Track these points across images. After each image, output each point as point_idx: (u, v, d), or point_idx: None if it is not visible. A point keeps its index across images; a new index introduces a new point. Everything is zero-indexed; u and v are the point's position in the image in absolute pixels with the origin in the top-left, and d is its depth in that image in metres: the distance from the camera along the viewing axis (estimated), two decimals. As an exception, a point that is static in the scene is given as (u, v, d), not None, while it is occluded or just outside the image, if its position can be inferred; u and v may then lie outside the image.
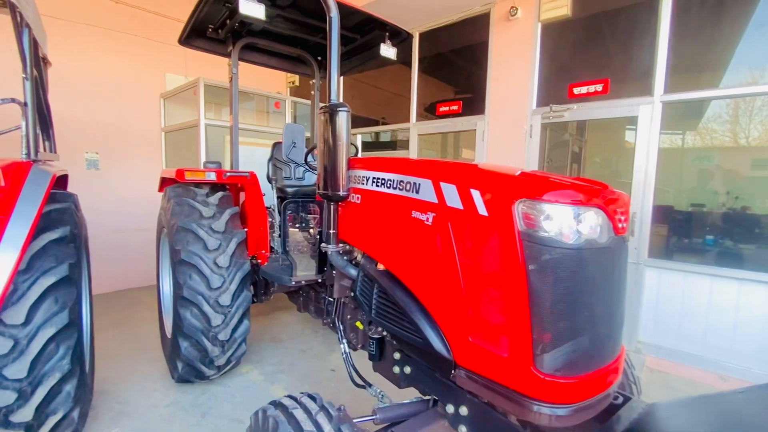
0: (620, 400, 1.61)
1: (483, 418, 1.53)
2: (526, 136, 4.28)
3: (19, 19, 1.95)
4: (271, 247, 3.30)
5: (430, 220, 1.64)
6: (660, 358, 3.58)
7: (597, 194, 1.35)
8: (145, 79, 5.70)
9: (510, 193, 1.35)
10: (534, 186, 1.33)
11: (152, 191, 4.07)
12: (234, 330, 2.78)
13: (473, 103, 4.78)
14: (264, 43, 3.82)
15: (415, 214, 1.72)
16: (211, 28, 3.55)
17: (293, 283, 2.66)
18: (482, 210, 1.43)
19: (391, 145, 6.24)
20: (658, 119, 3.51)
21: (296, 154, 3.36)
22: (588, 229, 1.29)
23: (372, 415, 1.73)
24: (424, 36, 5.25)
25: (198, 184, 3.09)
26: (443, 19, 4.93)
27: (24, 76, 2.07)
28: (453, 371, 1.54)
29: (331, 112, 1.98)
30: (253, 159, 4.91)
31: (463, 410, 1.58)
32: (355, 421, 1.60)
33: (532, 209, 1.29)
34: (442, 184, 1.60)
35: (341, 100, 6.40)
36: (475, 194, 1.46)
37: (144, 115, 5.73)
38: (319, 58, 4.21)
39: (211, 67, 5.43)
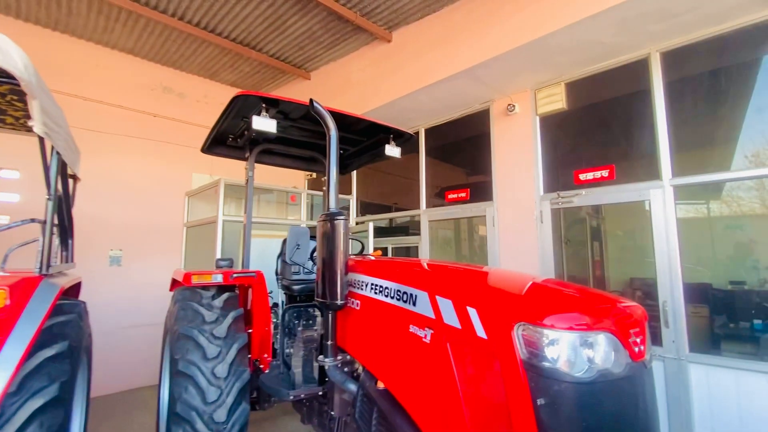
0: None
1: None
2: (537, 222, 4.23)
3: (48, 147, 2.16)
4: (275, 350, 3.15)
5: (428, 337, 1.52)
6: (729, 480, 2.99)
7: (606, 314, 1.24)
8: (173, 179, 6.16)
9: (508, 315, 1.25)
10: (534, 307, 1.23)
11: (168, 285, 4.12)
12: (229, 450, 2.52)
13: (481, 190, 4.86)
14: (279, 148, 4.11)
15: (413, 329, 1.61)
16: (231, 138, 3.87)
17: (291, 397, 2.46)
18: (480, 332, 1.32)
19: (404, 230, 6.28)
20: (672, 202, 3.42)
21: (300, 256, 3.39)
22: (599, 357, 1.16)
23: None
24: (429, 131, 5.58)
25: (204, 287, 3.10)
26: (446, 116, 5.28)
27: (48, 197, 2.23)
28: None
29: (330, 220, 2.00)
30: (269, 251, 4.98)
31: None
32: None
33: (533, 335, 1.18)
34: (439, 299, 1.52)
35: (354, 189, 6.66)
36: (472, 313, 1.36)
37: (169, 212, 6.07)
38: (331, 157, 4.46)
39: (234, 165, 5.86)
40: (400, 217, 6.36)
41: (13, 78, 1.75)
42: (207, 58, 5.96)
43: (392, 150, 3.64)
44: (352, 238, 3.16)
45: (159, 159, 6.09)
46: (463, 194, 5.06)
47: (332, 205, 2.13)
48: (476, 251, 5.25)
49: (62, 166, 2.52)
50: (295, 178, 7.99)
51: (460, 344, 1.38)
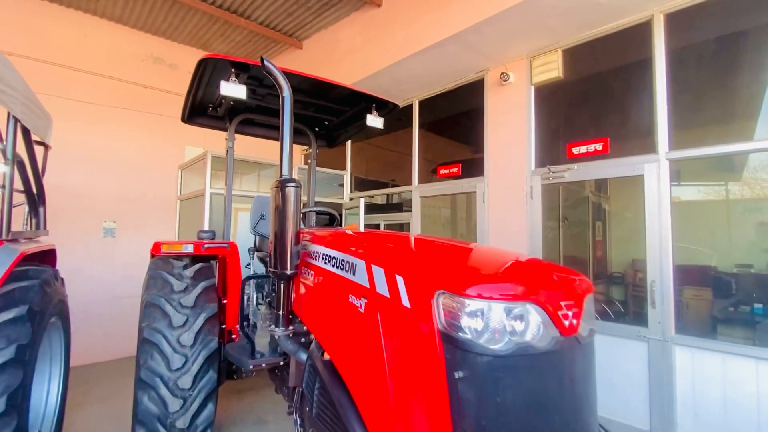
0: None
1: None
2: (526, 198, 4.07)
3: (3, 112, 2.11)
4: (246, 318, 3.15)
5: (363, 307, 1.45)
6: (707, 462, 2.92)
7: (535, 285, 1.13)
8: (166, 152, 6.13)
9: (430, 283, 1.16)
10: (457, 276, 1.14)
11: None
12: (195, 416, 2.55)
13: (473, 166, 4.69)
14: (261, 118, 4.00)
15: (351, 298, 1.54)
16: (211, 107, 3.77)
17: (251, 367, 2.45)
18: (405, 301, 1.24)
19: (399, 207, 6.17)
20: (667, 177, 3.22)
21: (264, 227, 3.33)
22: (521, 330, 1.06)
23: None
24: (423, 103, 5.38)
25: (178, 257, 3.08)
26: (440, 87, 5.05)
27: (5, 161, 2.19)
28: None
29: (281, 187, 1.91)
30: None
31: None
32: None
33: (453, 304, 1.09)
34: (373, 267, 1.43)
35: (349, 164, 6.54)
36: (400, 281, 1.28)
37: (163, 185, 6.08)
38: (317, 129, 4.35)
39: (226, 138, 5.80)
40: (393, 193, 6.25)
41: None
42: (196, 27, 5.80)
43: (374, 120, 3.50)
44: (322, 212, 3.08)
45: (152, 131, 6.05)
46: (454, 170, 4.90)
47: (284, 172, 2.03)
48: (467, 228, 5.13)
49: (24, 132, 2.47)
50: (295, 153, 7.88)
51: (388, 314, 1.30)
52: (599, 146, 3.62)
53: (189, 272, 2.93)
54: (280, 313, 2.01)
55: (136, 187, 5.87)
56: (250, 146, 5.01)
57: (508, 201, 4.23)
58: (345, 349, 1.56)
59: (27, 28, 5.04)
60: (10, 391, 1.97)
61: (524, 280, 1.13)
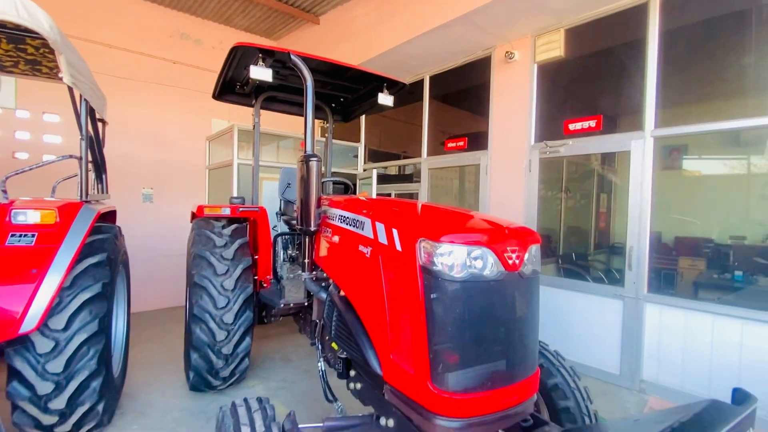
0: (530, 422, 1.73)
1: (405, 431, 1.73)
2: (525, 171, 4.42)
3: (77, 95, 2.60)
4: (275, 273, 3.72)
5: (369, 253, 1.93)
6: (664, 400, 3.41)
7: (487, 235, 1.57)
8: (194, 124, 6.63)
9: (416, 232, 1.62)
10: (432, 228, 1.59)
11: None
12: (236, 345, 3.17)
13: (478, 139, 5.02)
14: (283, 96, 4.41)
15: (360, 248, 2.02)
16: (239, 85, 4.19)
17: (281, 305, 3.01)
18: (398, 246, 1.71)
19: (409, 177, 6.58)
20: (651, 153, 3.53)
21: (291, 193, 3.81)
22: (475, 265, 1.52)
23: (319, 423, 1.98)
24: (434, 78, 5.65)
25: (217, 218, 3.62)
26: (450, 63, 5.31)
27: (81, 137, 2.71)
28: (384, 387, 1.78)
29: (306, 161, 2.36)
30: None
31: (390, 422, 1.80)
32: (302, 426, 1.87)
33: (430, 247, 1.55)
34: (376, 223, 1.90)
35: (363, 137, 7.04)
36: (395, 232, 1.74)
37: (193, 156, 6.62)
38: (333, 105, 4.73)
39: (249, 112, 6.24)
40: (403, 165, 6.64)
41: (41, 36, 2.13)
42: (219, 3, 6.12)
43: (385, 99, 3.85)
44: (338, 182, 3.52)
45: (181, 105, 6.52)
46: (461, 143, 5.24)
47: (308, 149, 2.48)
48: (473, 198, 5.52)
49: (90, 111, 2.97)
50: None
51: (386, 256, 1.78)
52: (593, 123, 3.91)
53: (227, 231, 3.47)
54: (306, 261, 2.53)
55: (168, 157, 6.43)
56: (270, 119, 5.40)
57: (509, 174, 4.59)
58: (356, 286, 2.05)
59: (63, 6, 5.46)
60: (100, 316, 2.57)
61: (482, 232, 1.57)
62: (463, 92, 5.60)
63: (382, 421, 1.85)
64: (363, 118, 6.90)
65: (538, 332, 1.79)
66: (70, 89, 2.56)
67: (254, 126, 4.25)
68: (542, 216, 5.86)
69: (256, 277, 3.70)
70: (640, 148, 3.57)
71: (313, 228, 2.36)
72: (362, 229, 2.03)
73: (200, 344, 3.08)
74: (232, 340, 3.13)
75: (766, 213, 3.49)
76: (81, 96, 2.72)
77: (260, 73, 3.26)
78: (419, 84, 5.78)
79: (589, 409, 2.21)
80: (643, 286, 3.55)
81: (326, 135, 4.85)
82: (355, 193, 3.59)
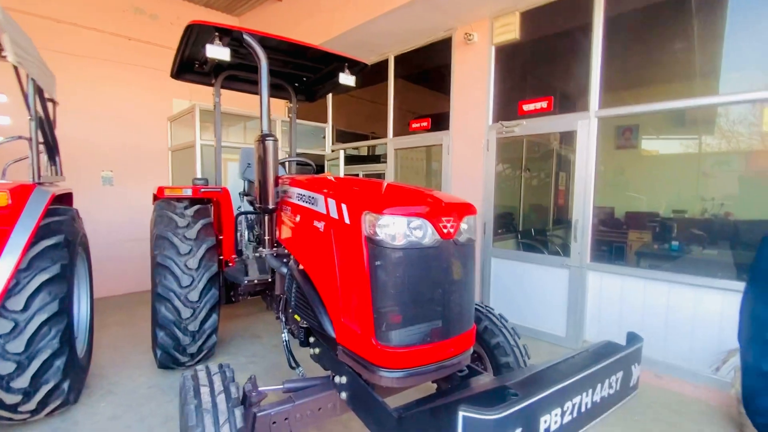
0: (465, 372, 1.95)
1: (355, 385, 1.91)
2: (483, 150, 4.62)
3: (23, 75, 2.53)
4: (240, 252, 3.79)
5: (322, 228, 2.06)
6: (603, 357, 3.78)
7: (424, 207, 1.73)
8: (155, 104, 6.42)
9: (362, 206, 1.76)
10: (378, 202, 1.72)
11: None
12: (203, 323, 3.26)
13: (441, 120, 5.17)
14: (244, 74, 4.36)
15: (315, 223, 2.14)
16: (198, 64, 4.11)
17: (246, 282, 3.11)
18: (347, 219, 1.84)
19: (377, 158, 6.68)
20: (595, 133, 3.79)
21: (251, 173, 3.85)
22: (414, 234, 1.68)
23: (279, 386, 2.13)
24: (399, 59, 5.70)
25: (179, 199, 3.63)
26: (413, 43, 5.37)
27: (29, 117, 2.65)
28: (337, 348, 1.94)
29: (262, 140, 2.43)
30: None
31: (343, 379, 1.97)
32: (262, 389, 2.02)
33: (373, 219, 1.69)
34: (329, 200, 2.02)
35: (330, 117, 7.04)
36: (344, 207, 1.88)
37: (154, 137, 6.44)
38: (296, 84, 4.72)
39: (211, 91, 6.11)
40: (369, 145, 6.73)
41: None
42: (176, -23, 5.86)
43: (347, 79, 3.90)
44: (300, 162, 3.59)
45: (139, 84, 6.29)
46: (425, 123, 5.37)
47: (264, 128, 2.54)
48: (439, 178, 5.71)
49: (39, 91, 2.89)
50: (279, 106, 8.19)
51: (337, 230, 1.91)
52: (545, 104, 4.13)
53: (189, 212, 3.50)
54: (267, 238, 2.63)
55: (128, 138, 6.23)
56: (237, 99, 5.35)
57: (469, 153, 4.78)
58: (312, 259, 2.19)
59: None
60: (60, 297, 2.59)
61: (421, 204, 1.73)
62: (428, 73, 5.70)
63: (337, 379, 2.02)
64: (330, 98, 6.89)
65: (474, 293, 2.00)
66: (16, 68, 2.49)
67: (215, 106, 4.20)
68: (504, 194, 6.15)
69: (221, 257, 3.76)
70: (585, 128, 3.82)
71: (271, 206, 2.45)
72: (317, 205, 2.15)
73: (166, 322, 3.15)
74: (197, 317, 3.21)
75: (706, 189, 3.83)
76: (27, 75, 2.65)
77: (217, 52, 3.23)
78: (384, 64, 5.82)
79: (527, 363, 2.47)
80: (586, 256, 3.87)
81: (289, 115, 4.86)
82: (319, 173, 3.68)
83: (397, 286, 1.68)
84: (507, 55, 4.50)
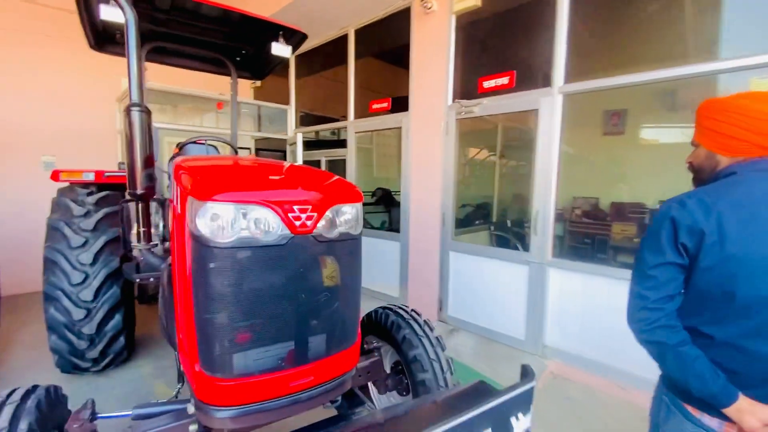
0: (338, 403, 1.56)
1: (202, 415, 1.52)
2: (442, 134, 4.17)
3: None
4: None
5: (172, 218, 1.64)
6: (564, 364, 3.40)
7: (270, 191, 1.31)
8: (101, 85, 5.95)
9: (187, 191, 1.34)
10: (204, 185, 1.30)
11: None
12: (101, 324, 2.87)
13: (400, 101, 4.70)
14: (173, 47, 3.90)
15: (173, 211, 1.72)
16: (119, 34, 3.65)
17: (138, 280, 2.71)
18: (178, 208, 1.42)
19: (342, 143, 6.22)
20: (559, 112, 3.33)
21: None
22: (249, 227, 1.26)
23: (128, 412, 1.74)
24: (359, 33, 5.20)
25: (84, 185, 3.21)
26: (372, 14, 4.87)
27: None
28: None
29: (127, 111, 2.00)
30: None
31: (191, 409, 1.57)
32: (103, 416, 1.63)
33: (198, 207, 1.27)
34: (175, 183, 1.60)
35: (292, 99, 6.44)
36: (178, 192, 1.46)
37: (101, 118, 5.99)
38: (238, 59, 4.26)
39: (163, 70, 5.62)
40: (326, 129, 6.26)
41: None
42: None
43: (281, 49, 3.45)
44: (193, 142, 3.15)
45: (83, 63, 5.81)
46: (385, 104, 4.91)
47: (133, 97, 2.10)
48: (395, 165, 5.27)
49: None
50: (242, 87, 7.71)
51: (177, 221, 1.50)
52: (506, 80, 3.66)
53: (92, 199, 3.08)
54: (142, 230, 2.21)
55: (73, 120, 5.79)
56: (194, 79, 4.89)
57: (428, 137, 4.33)
58: (172, 258, 1.78)
59: None
60: None
61: (261, 188, 1.31)
62: (390, 48, 5.20)
63: (189, 407, 1.63)
64: (293, 78, 6.41)
65: (358, 300, 1.59)
66: None
67: (138, 81, 3.74)
68: (478, 183, 5.72)
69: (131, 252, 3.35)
70: (548, 106, 3.36)
71: (139, 191, 2.04)
72: (172, 191, 1.73)
73: (56, 324, 2.76)
74: (93, 318, 2.82)
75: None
76: None
77: (112, 14, 2.79)
78: (343, 39, 5.33)
79: (448, 380, 2.08)
80: (547, 251, 3.45)
81: (231, 92, 4.40)
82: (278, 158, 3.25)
83: (227, 298, 1.26)
84: (468, 27, 4.01)
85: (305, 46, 6.04)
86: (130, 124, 2.00)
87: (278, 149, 7.28)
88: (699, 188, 1.16)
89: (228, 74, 4.46)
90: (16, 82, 5.34)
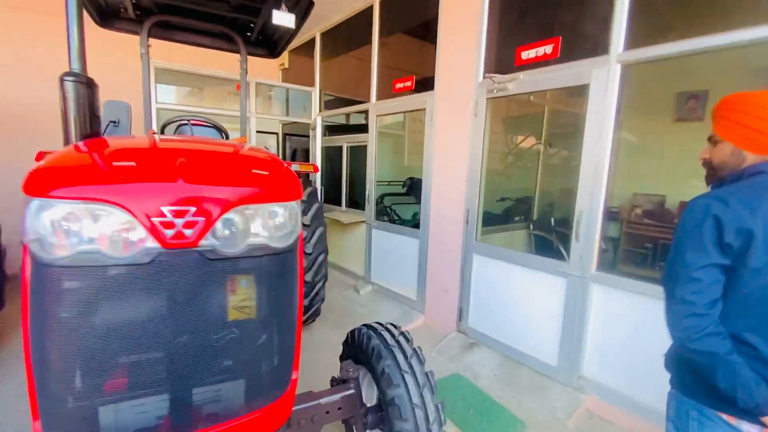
0: None
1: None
2: (470, 115, 3.56)
3: None
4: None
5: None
6: (604, 401, 2.76)
7: (140, 184, 0.89)
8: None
9: (25, 185, 0.95)
10: (38, 175, 0.90)
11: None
12: None
13: (425, 80, 4.13)
14: (178, 21, 3.64)
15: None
16: (123, 8, 3.45)
17: None
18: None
19: (364, 128, 5.76)
20: (616, 87, 2.61)
21: (116, 133, 3.14)
22: (97, 240, 0.85)
23: None
24: (384, 4, 4.66)
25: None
26: (398, -19, 4.30)
27: None
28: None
29: (60, 81, 1.69)
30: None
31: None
32: None
33: (31, 208, 0.89)
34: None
35: (317, 80, 6.04)
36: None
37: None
38: (248, 34, 3.92)
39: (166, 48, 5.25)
40: (347, 113, 5.80)
41: None
42: None
43: (283, 18, 3.06)
44: (209, 125, 2.84)
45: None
46: (408, 83, 4.36)
47: (73, 65, 1.78)
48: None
49: None
50: (269, 69, 7.48)
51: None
52: (548, 49, 2.97)
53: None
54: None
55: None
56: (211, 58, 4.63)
57: (454, 119, 3.74)
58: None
59: None
60: None
61: (119, 179, 0.89)
62: (418, 22, 4.61)
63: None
64: (317, 58, 6.01)
65: (292, 335, 1.15)
66: None
67: (141, 57, 3.53)
68: (518, 174, 5.03)
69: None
70: (602, 80, 2.65)
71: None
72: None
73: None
74: None
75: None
76: None
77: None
78: (369, 12, 4.81)
79: (434, 435, 1.60)
80: (591, 263, 2.78)
81: (240, 70, 4.07)
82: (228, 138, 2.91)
83: (65, 336, 0.87)
84: (506, -16, 3.33)
85: (329, 23, 5.61)
86: (64, 98, 1.68)
87: (305, 134, 6.98)
88: (729, 186, 1.12)
89: (235, 51, 4.14)
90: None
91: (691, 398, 1.16)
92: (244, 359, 1.02)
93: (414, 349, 1.83)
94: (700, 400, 1.13)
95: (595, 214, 2.74)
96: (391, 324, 2.02)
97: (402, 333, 1.93)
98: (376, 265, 4.93)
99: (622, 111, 2.66)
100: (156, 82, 4.88)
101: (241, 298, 1.01)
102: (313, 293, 3.54)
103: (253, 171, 1.06)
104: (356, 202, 5.56)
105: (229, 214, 0.95)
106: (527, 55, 3.11)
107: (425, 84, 4.15)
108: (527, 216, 4.90)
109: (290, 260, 1.09)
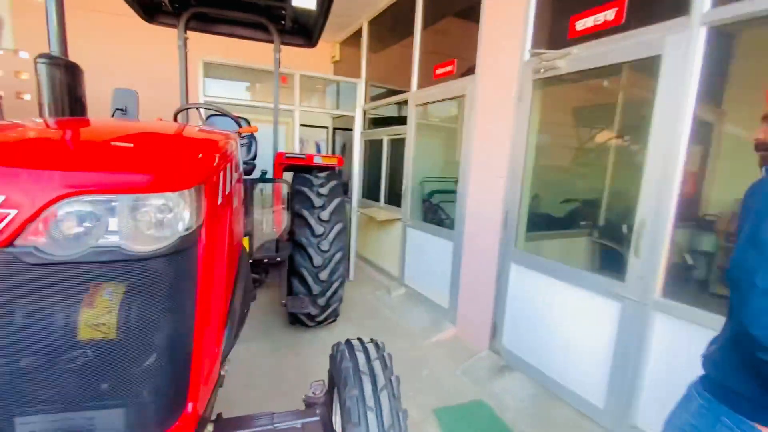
0: None
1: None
2: (514, 101, 3.06)
3: None
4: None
5: None
6: (663, 465, 2.15)
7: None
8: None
9: None
10: None
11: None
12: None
13: (468, 62, 3.68)
14: (215, 13, 3.67)
15: None
16: (164, 2, 3.55)
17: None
18: None
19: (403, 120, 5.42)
20: (699, 57, 1.98)
21: None
22: None
23: None
24: (429, -17, 4.27)
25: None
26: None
27: None
28: None
29: (34, 62, 1.66)
30: (261, 136, 4.84)
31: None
32: None
33: None
34: None
35: (363, 72, 5.93)
36: None
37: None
38: (283, 22, 3.84)
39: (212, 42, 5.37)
40: (387, 104, 5.46)
41: None
42: None
43: (302, -1, 2.89)
44: (218, 113, 2.76)
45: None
46: (449, 68, 3.93)
47: (52, 46, 1.74)
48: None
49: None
50: (322, 62, 7.46)
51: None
52: (611, 15, 2.38)
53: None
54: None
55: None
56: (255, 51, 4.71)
57: (496, 105, 3.26)
58: None
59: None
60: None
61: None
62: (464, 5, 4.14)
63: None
64: (365, 49, 5.79)
65: (183, 356, 0.92)
66: None
67: (179, 49, 3.61)
68: (584, 173, 4.33)
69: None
70: (680, 49, 2.03)
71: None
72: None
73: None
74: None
75: None
76: None
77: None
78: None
79: None
80: (654, 285, 2.17)
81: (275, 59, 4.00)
82: (240, 126, 2.79)
83: None
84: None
85: (375, 10, 5.35)
86: (38, 82, 1.65)
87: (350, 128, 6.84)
88: None
89: (268, 40, 4.08)
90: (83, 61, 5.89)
91: (722, 404, 1.01)
92: (101, 387, 0.81)
93: (390, 379, 1.51)
94: (732, 407, 0.98)
95: (662, 222, 2.13)
96: (374, 342, 1.72)
97: (381, 356, 1.62)
98: (410, 267, 4.60)
99: (708, 92, 2.02)
100: (206, 77, 5.03)
101: (97, 314, 0.80)
102: (330, 292, 3.35)
103: (116, 152, 0.84)
104: (396, 197, 5.26)
105: (62, 206, 0.74)
106: (583, 24, 2.54)
107: (465, 69, 3.70)
108: (594, 221, 4.19)
109: (167, 269, 0.86)
